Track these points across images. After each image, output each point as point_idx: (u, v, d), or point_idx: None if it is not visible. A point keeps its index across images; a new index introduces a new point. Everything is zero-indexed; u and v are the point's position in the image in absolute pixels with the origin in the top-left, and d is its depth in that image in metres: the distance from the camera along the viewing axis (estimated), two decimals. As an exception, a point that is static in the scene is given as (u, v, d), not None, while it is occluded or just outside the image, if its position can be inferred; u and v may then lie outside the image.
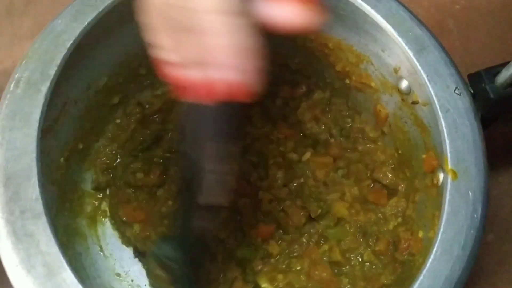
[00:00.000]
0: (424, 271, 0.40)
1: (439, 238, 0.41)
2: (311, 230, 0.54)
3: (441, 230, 0.41)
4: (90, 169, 0.57)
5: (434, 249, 0.41)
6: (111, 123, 0.58)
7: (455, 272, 0.40)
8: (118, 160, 0.58)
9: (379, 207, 0.55)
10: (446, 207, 0.42)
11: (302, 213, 0.53)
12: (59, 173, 0.50)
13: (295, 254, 0.53)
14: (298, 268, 0.52)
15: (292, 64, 0.60)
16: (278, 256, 0.53)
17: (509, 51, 0.65)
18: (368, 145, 0.58)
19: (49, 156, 0.48)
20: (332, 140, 0.59)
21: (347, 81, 0.57)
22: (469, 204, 0.42)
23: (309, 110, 0.60)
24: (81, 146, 0.54)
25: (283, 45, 0.59)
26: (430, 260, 0.40)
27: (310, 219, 0.54)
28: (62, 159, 0.51)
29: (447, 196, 0.42)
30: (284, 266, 0.53)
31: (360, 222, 0.54)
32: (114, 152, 0.58)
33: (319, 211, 0.54)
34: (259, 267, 0.52)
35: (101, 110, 0.56)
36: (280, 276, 0.51)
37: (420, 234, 0.49)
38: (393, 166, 0.56)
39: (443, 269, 0.40)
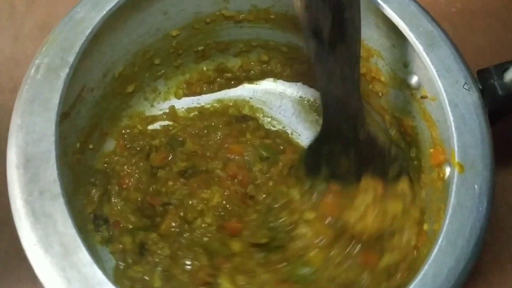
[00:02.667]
0: (429, 261, 0.41)
1: (444, 229, 0.42)
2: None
3: (447, 222, 0.42)
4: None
5: (440, 240, 0.41)
6: (125, 111, 0.60)
7: (460, 263, 0.41)
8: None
9: None
10: (452, 200, 0.43)
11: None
12: (75, 157, 0.52)
13: (259, 261, 0.52)
14: (263, 276, 0.50)
15: (302, 56, 0.61)
16: (241, 257, 0.52)
17: (505, 53, 0.65)
18: None
19: (66, 141, 0.50)
20: None
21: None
22: (475, 197, 0.43)
23: None
24: (96, 134, 0.56)
25: (295, 38, 0.60)
26: (435, 251, 0.41)
27: None
28: (78, 144, 0.52)
29: (454, 189, 0.43)
30: (245, 268, 0.51)
31: None
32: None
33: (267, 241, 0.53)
34: (221, 264, 0.51)
35: (116, 98, 0.57)
36: (240, 277, 0.50)
37: (425, 227, 0.50)
38: None
39: (448, 260, 0.41)
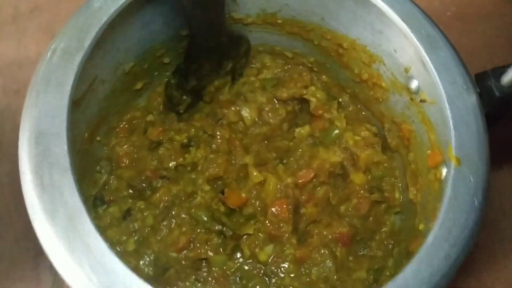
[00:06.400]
0: (424, 247, 0.42)
1: (440, 218, 0.43)
2: None
3: (443, 211, 0.43)
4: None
5: (436, 228, 0.43)
6: (133, 108, 0.61)
7: (454, 251, 0.42)
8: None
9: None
10: (448, 191, 0.44)
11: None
12: (83, 147, 0.53)
13: None
14: None
15: (307, 63, 0.63)
16: None
17: (498, 56, 0.67)
18: None
19: (75, 130, 0.51)
20: None
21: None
22: (470, 189, 0.44)
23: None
24: (104, 127, 0.57)
25: (300, 44, 0.62)
26: (431, 238, 0.42)
27: None
28: (86, 134, 0.54)
29: (450, 181, 0.44)
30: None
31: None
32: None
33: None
34: None
35: (125, 94, 0.59)
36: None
37: (421, 227, 0.51)
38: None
39: (443, 248, 0.42)
